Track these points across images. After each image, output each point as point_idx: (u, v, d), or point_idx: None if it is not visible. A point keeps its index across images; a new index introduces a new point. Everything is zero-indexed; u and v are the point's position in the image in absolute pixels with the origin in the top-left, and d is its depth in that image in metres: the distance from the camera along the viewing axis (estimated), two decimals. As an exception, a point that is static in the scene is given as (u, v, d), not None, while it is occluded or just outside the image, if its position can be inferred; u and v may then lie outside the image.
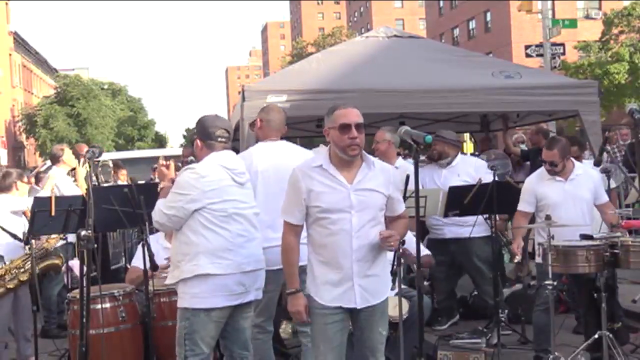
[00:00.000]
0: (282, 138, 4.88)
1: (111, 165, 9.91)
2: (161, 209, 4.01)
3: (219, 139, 4.09)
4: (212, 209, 3.95)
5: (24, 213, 6.19)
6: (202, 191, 3.94)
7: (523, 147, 9.04)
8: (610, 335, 4.80)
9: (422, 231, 6.28)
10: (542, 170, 5.49)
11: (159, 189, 4.34)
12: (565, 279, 6.17)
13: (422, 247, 3.86)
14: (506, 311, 6.46)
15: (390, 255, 3.83)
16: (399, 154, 6.95)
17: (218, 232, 3.96)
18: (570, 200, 5.27)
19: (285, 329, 5.91)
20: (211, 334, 4.02)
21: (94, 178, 4.35)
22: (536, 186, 5.43)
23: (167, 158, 4.54)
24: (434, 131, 6.66)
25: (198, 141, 4.16)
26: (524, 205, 5.46)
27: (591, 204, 5.35)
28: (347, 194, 3.60)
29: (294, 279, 3.70)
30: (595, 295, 4.93)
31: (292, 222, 3.70)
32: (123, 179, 10.05)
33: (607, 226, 5.24)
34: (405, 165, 6.05)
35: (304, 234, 3.75)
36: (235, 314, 4.11)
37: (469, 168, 6.45)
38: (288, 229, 3.71)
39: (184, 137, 74.76)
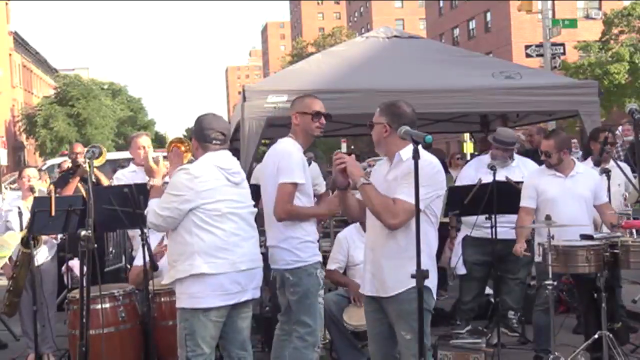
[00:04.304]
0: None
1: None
2: (155, 210, 4.02)
3: (214, 142, 4.10)
4: (205, 208, 3.96)
5: None
6: (195, 191, 3.94)
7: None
8: (610, 335, 4.80)
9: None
10: (544, 166, 5.50)
11: (148, 187, 4.33)
12: (567, 280, 6.16)
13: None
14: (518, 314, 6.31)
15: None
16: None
17: (212, 231, 3.96)
18: (569, 197, 5.27)
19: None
20: (211, 334, 4.02)
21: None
22: (537, 180, 5.44)
23: (166, 158, 4.51)
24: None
25: (194, 141, 4.18)
26: (527, 201, 5.44)
27: (591, 203, 5.34)
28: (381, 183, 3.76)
29: None
30: (595, 295, 4.93)
31: None
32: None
33: (607, 226, 5.24)
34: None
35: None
36: (233, 314, 4.10)
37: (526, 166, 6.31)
38: None
39: (184, 137, 74.68)
